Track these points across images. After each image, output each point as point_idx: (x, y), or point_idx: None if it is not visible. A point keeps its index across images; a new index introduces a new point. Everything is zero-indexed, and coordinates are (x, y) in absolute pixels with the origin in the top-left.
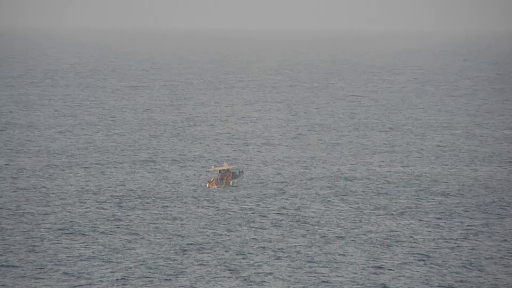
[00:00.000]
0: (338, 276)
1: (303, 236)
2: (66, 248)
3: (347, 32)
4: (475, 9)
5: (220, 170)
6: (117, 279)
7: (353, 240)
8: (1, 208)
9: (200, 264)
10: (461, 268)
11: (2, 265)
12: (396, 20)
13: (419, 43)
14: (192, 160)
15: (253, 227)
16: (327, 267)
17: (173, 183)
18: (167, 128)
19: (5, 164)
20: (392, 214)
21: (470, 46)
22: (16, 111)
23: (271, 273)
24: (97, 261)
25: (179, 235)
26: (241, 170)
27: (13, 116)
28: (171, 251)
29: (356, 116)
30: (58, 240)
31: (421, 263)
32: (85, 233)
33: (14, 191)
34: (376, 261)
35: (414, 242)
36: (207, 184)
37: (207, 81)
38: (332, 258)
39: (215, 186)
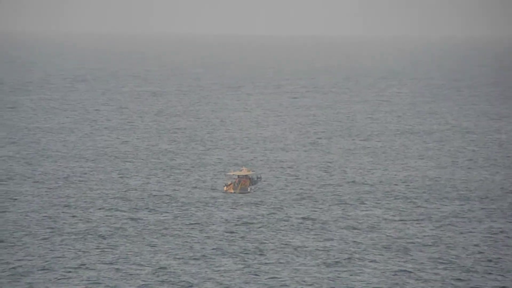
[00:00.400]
0: (359, 280)
1: (323, 241)
2: (86, 252)
3: (350, 37)
4: (461, 15)
5: (238, 175)
6: (139, 286)
7: (373, 244)
8: (22, 212)
9: (221, 269)
10: (482, 272)
11: (23, 270)
12: (392, 25)
13: (424, 47)
14: (211, 165)
15: (272, 231)
16: (349, 271)
17: (192, 187)
18: (186, 132)
19: (26, 169)
20: (412, 219)
21: (479, 51)
22: (36, 117)
23: (292, 277)
24: (118, 265)
25: (198, 240)
26: (259, 176)
27: (34, 121)
28: (191, 256)
29: (375, 121)
30: (78, 245)
31: (442, 267)
32: (105, 238)
33: (35, 196)
34: (396, 265)
35: (435, 246)
36: (224, 187)
37: (225, 86)
38: (353, 262)
39: (232, 191)
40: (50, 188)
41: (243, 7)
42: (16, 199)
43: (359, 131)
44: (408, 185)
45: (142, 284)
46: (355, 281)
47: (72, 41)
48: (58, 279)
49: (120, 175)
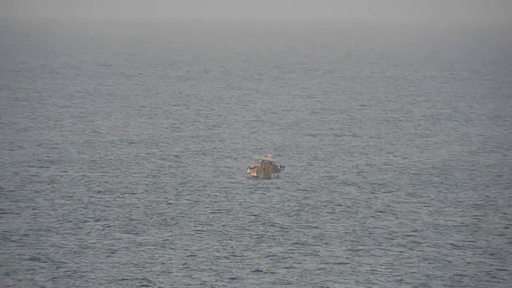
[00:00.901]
0: (383, 264)
1: (347, 226)
2: (114, 237)
3: (349, 22)
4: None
5: (263, 160)
6: (163, 271)
7: (398, 230)
8: (50, 200)
9: (245, 253)
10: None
11: (54, 255)
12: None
13: (442, 34)
14: (236, 150)
15: (296, 216)
16: (373, 256)
17: (218, 171)
18: (212, 117)
19: (54, 155)
20: (437, 204)
21: (497, 38)
22: (69, 102)
23: (316, 263)
24: (144, 251)
25: (223, 224)
26: (283, 165)
27: (61, 107)
28: (215, 243)
29: (399, 108)
30: (105, 231)
31: (469, 252)
32: (133, 221)
33: (66, 181)
34: (421, 251)
35: (461, 231)
36: (248, 170)
37: (251, 72)
38: (377, 248)
39: (255, 174)
40: (82, 174)
41: None
42: (45, 182)
43: (384, 117)
44: (434, 170)
45: (166, 271)
46: (378, 266)
47: (92, 27)
48: (89, 264)
49: (147, 160)
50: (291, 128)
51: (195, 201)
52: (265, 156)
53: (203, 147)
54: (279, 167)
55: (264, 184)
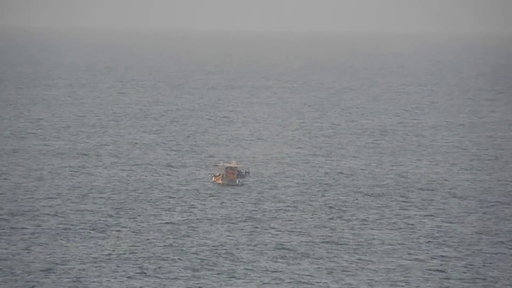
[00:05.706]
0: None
1: (318, 230)
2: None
3: (355, 33)
4: (475, 11)
5: (227, 167)
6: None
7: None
8: (59, 204)
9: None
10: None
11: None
12: (398, 21)
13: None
14: (205, 157)
15: (260, 221)
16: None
17: (184, 178)
18: (187, 127)
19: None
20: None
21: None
22: (86, 113)
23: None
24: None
25: (192, 230)
26: (247, 170)
27: (85, 118)
28: (180, 248)
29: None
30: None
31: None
32: (95, 236)
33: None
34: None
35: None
36: (213, 178)
37: (248, 85)
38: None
39: (220, 181)
40: (87, 181)
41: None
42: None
43: (378, 129)
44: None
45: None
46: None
47: (88, 36)
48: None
49: (122, 169)
50: (261, 136)
51: (162, 209)
52: (229, 163)
53: (168, 155)
54: (243, 173)
55: (230, 190)
